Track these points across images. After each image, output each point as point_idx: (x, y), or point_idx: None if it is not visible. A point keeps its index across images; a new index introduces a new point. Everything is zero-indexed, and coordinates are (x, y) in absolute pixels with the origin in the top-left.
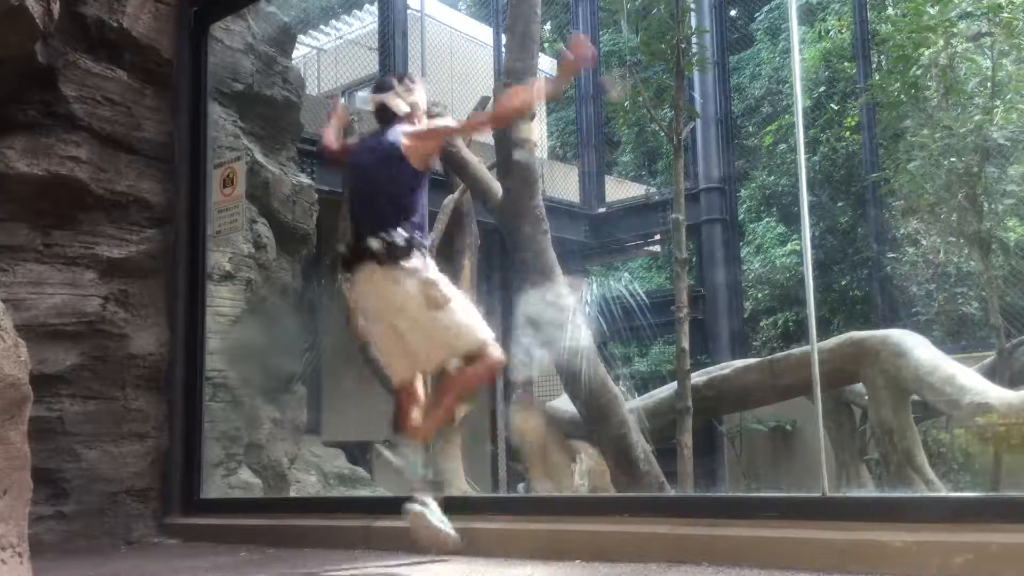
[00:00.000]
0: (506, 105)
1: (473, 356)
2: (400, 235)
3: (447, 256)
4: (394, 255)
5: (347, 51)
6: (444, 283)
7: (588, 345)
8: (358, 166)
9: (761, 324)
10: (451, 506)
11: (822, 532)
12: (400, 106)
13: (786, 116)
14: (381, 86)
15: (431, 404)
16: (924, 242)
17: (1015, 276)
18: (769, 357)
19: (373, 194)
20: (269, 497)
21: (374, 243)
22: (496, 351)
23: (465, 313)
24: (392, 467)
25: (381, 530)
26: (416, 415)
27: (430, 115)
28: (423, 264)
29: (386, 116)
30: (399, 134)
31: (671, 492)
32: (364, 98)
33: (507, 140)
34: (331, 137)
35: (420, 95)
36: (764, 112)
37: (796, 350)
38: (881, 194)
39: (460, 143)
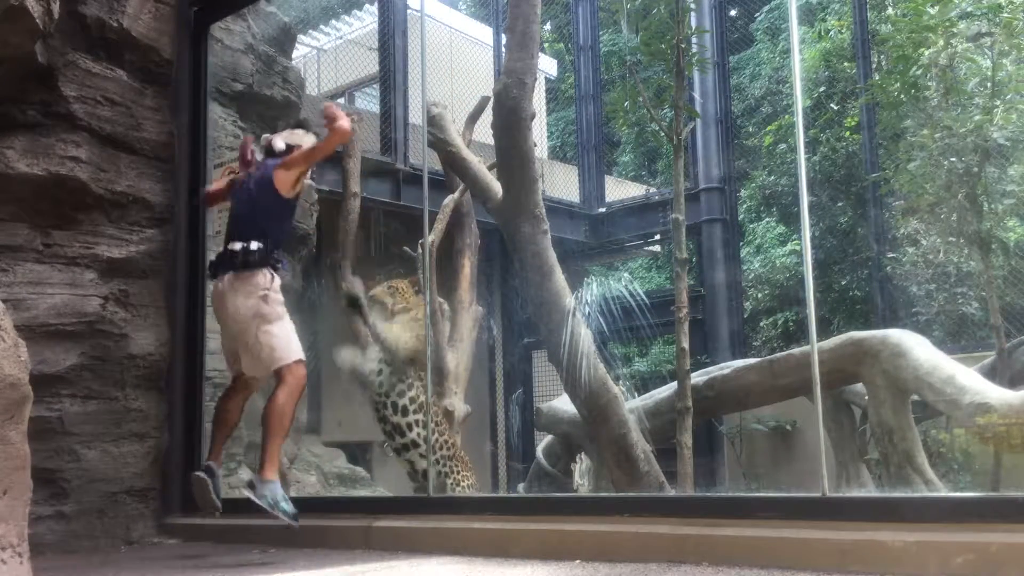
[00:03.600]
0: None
1: (278, 373)
2: (256, 244)
3: (447, 256)
4: (247, 261)
5: (347, 51)
6: (278, 303)
7: (588, 345)
8: (239, 190)
9: (761, 324)
10: (458, 506)
11: (822, 532)
12: (277, 143)
13: (786, 116)
14: (273, 130)
15: (265, 439)
16: (924, 242)
17: (1015, 276)
18: (769, 357)
19: (244, 212)
20: None
21: (235, 246)
22: (299, 370)
23: (283, 334)
24: (258, 507)
25: (381, 530)
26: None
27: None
28: (268, 280)
29: (269, 152)
30: (273, 166)
31: (671, 492)
32: (264, 137)
33: (509, 143)
34: (215, 187)
35: (306, 140)
36: (764, 112)
37: (796, 350)
38: (881, 194)
39: (460, 144)
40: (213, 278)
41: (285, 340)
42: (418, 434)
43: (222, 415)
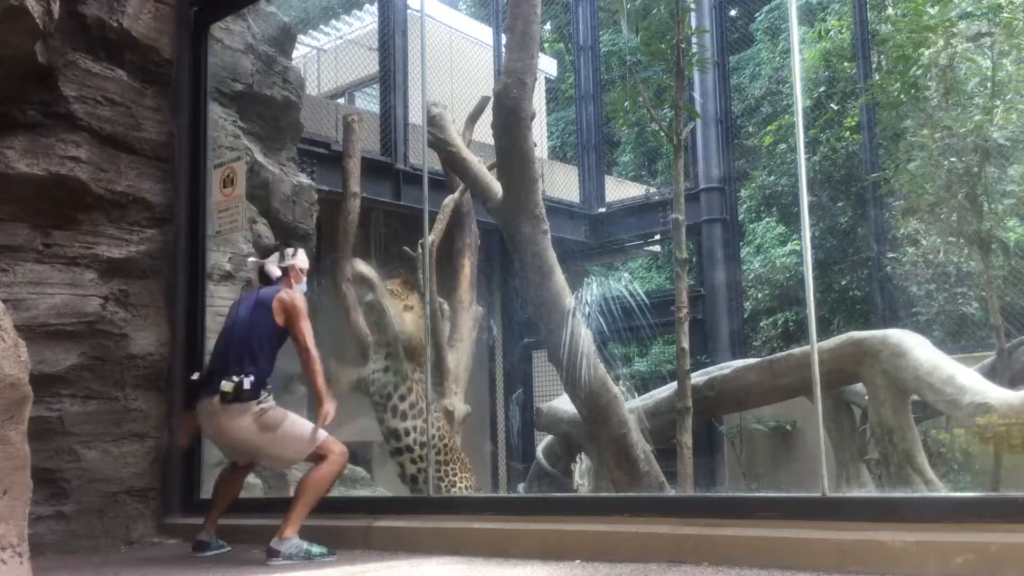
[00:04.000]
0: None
1: (317, 456)
2: (248, 381)
3: (447, 256)
4: (239, 398)
5: (347, 51)
6: (273, 408)
7: (588, 345)
8: (234, 312)
9: (761, 324)
10: (458, 506)
11: (822, 532)
12: (273, 271)
13: (786, 116)
14: (264, 252)
15: (294, 503)
16: (924, 242)
17: (1015, 276)
18: (769, 357)
19: (236, 337)
20: (269, 497)
21: (226, 384)
22: (336, 446)
23: (297, 427)
24: (295, 564)
25: (381, 530)
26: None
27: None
28: (258, 401)
29: (264, 277)
30: (274, 293)
31: (671, 492)
32: (251, 263)
33: (509, 143)
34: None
35: (299, 259)
36: (764, 112)
37: (796, 350)
38: (881, 194)
39: (460, 144)
40: (196, 398)
41: (305, 429)
42: (414, 439)
43: (223, 489)
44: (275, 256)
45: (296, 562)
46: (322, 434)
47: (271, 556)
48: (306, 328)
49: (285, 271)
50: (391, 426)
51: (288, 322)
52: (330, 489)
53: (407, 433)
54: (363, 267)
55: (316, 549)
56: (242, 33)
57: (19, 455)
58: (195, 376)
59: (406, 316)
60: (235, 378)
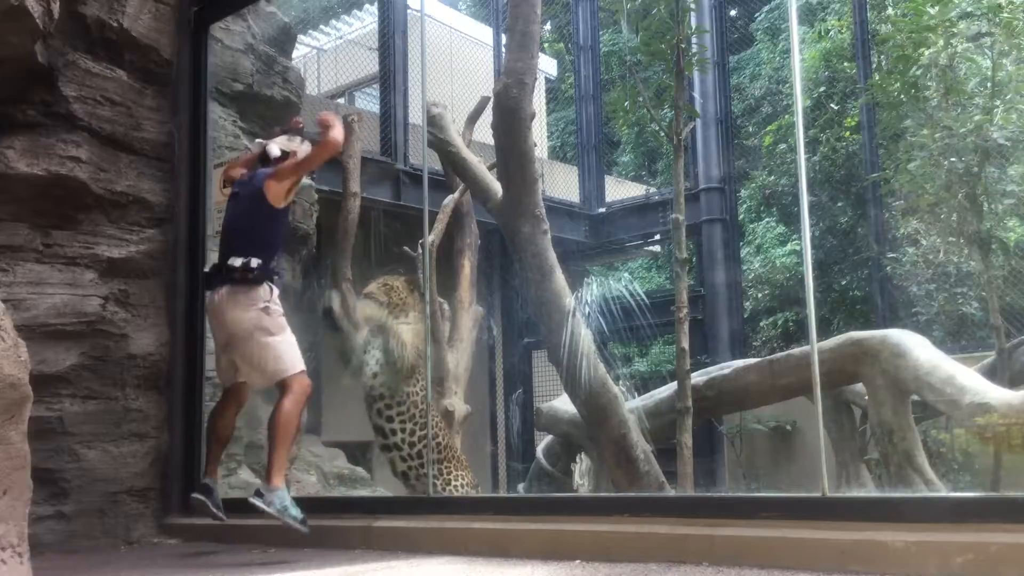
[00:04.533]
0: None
1: (283, 384)
2: (256, 261)
3: (447, 256)
4: (247, 278)
5: (347, 51)
6: (279, 315)
7: (588, 345)
8: (234, 197)
9: (761, 324)
10: (458, 506)
11: (822, 532)
12: (273, 150)
13: (786, 116)
14: (269, 134)
15: (271, 449)
16: (924, 242)
17: (1015, 276)
18: (769, 357)
19: (240, 225)
20: None
21: (235, 262)
22: (303, 380)
23: (286, 346)
24: (266, 515)
25: (381, 530)
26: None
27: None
28: (268, 294)
29: (264, 158)
30: (263, 176)
31: (671, 492)
32: (257, 143)
33: (509, 143)
34: (237, 166)
35: (303, 149)
36: (764, 112)
37: (796, 350)
38: (881, 194)
39: (460, 144)
40: (208, 290)
41: (289, 351)
42: (401, 439)
43: (216, 430)
44: (282, 137)
45: (274, 513)
46: (300, 365)
47: (257, 496)
48: (299, 164)
49: (286, 155)
50: (376, 423)
51: (286, 182)
52: (298, 425)
53: (393, 432)
54: (368, 309)
55: (295, 512)
56: (242, 33)
57: (19, 455)
58: (207, 268)
59: (406, 333)
60: (243, 258)
